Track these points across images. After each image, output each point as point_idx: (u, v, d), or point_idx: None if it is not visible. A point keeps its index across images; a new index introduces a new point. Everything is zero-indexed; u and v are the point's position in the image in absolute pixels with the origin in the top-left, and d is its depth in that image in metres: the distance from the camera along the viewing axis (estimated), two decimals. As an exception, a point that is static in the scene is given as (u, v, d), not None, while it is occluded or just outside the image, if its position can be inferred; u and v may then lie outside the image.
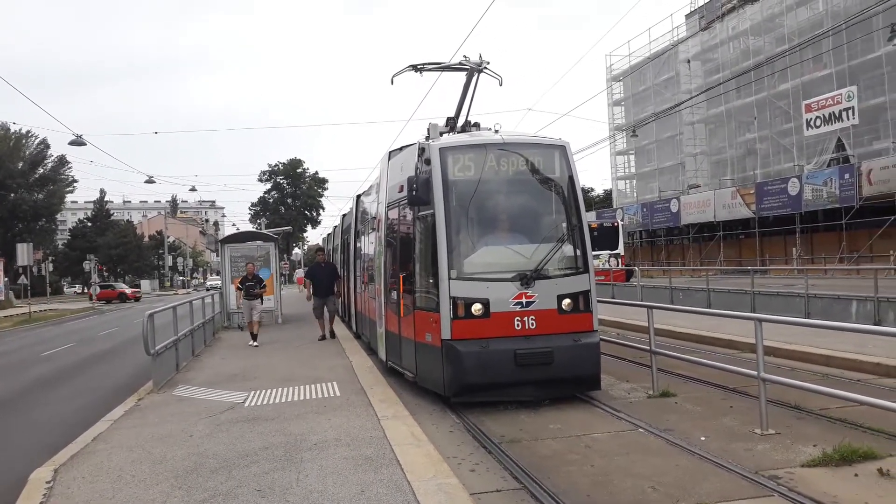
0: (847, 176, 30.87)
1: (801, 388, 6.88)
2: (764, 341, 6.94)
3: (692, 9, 47.78)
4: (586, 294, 8.65)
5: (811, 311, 15.34)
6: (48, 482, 6.14)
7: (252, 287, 15.84)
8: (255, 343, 15.19)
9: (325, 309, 15.95)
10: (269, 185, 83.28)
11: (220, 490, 5.63)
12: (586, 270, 8.76)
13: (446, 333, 8.33)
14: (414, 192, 8.73)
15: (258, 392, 9.76)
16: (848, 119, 32.42)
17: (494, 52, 10.48)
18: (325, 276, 15.88)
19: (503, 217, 9.00)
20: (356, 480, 5.64)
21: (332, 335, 15.87)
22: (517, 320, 8.31)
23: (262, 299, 16.44)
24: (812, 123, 34.45)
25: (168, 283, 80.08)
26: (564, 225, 8.96)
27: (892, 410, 5.54)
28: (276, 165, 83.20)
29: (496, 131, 9.46)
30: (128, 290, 57.46)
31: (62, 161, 70.10)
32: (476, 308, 8.29)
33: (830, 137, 34.57)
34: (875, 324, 13.21)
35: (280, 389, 9.85)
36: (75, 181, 73.55)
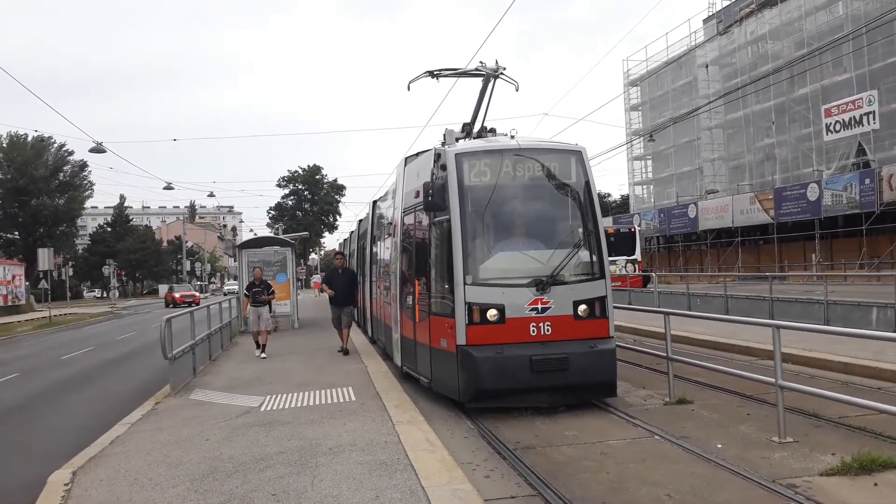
0: (867, 181, 30.53)
1: (820, 395, 6.80)
2: (782, 348, 6.87)
3: (710, 13, 47.57)
4: (602, 300, 8.60)
5: (830, 318, 15.15)
6: (66, 484, 6.21)
7: (259, 293, 14.77)
8: (263, 354, 14.20)
9: (342, 318, 14.36)
10: (286, 191, 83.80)
11: (236, 493, 5.66)
12: (602, 276, 8.71)
13: (461, 339, 8.32)
14: (430, 198, 8.74)
15: (274, 396, 9.80)
16: (868, 123, 32.09)
17: (511, 58, 10.58)
18: (342, 284, 14.37)
19: (519, 222, 8.98)
20: (371, 485, 5.65)
21: (346, 352, 14.11)
22: (533, 326, 8.29)
23: (270, 306, 15.22)
24: (832, 128, 34.13)
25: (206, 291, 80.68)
26: (580, 231, 8.92)
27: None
28: (295, 172, 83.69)
29: (512, 137, 9.44)
30: (197, 295, 52.46)
31: (81, 166, 70.97)
32: (491, 314, 8.28)
33: (850, 142, 34.22)
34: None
35: (296, 394, 9.89)
36: (93, 184, 74.46)
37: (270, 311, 15.23)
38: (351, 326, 14.59)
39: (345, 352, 14.06)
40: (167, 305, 46.46)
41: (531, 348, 8.18)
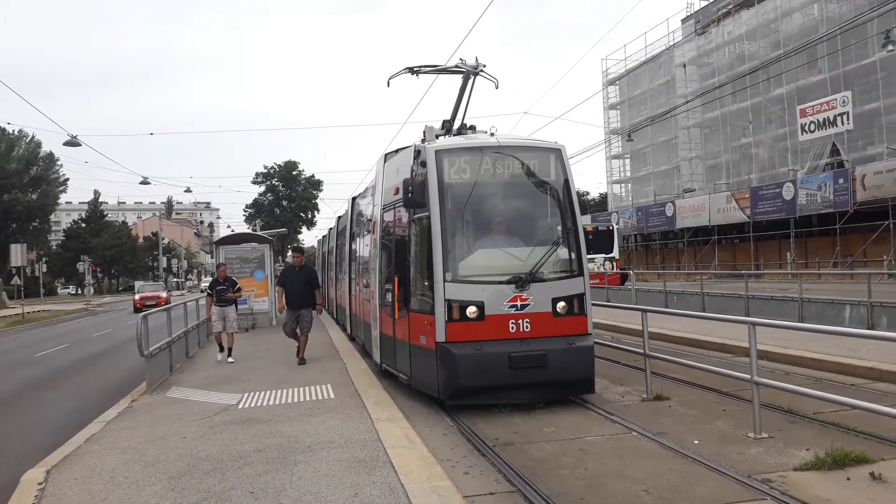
0: (841, 181, 31.00)
1: (794, 392, 6.88)
2: (757, 345, 6.96)
3: (688, 13, 47.98)
4: (581, 297, 8.65)
5: (805, 316, 15.37)
6: (40, 483, 6.12)
7: (224, 291, 13.49)
8: (231, 359, 13.09)
9: (299, 323, 12.41)
10: (263, 188, 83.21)
11: (214, 492, 5.62)
12: (581, 273, 8.76)
13: (441, 336, 8.32)
14: (409, 195, 8.73)
15: (252, 394, 9.73)
16: (842, 124, 32.58)
17: (491, 56, 10.57)
18: (299, 283, 12.45)
19: (498, 220, 9.00)
20: (349, 483, 5.64)
21: (303, 362, 12.28)
22: (512, 323, 8.31)
23: (236, 305, 14.01)
24: (807, 128, 34.61)
25: (183, 289, 79.84)
26: (559, 228, 8.97)
27: (884, 415, 5.55)
28: (271, 167, 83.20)
29: (492, 134, 9.46)
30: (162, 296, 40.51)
31: (51, 159, 69.88)
32: (471, 311, 8.29)
33: (825, 142, 34.73)
34: (868, 328, 13.26)
35: (274, 391, 9.83)
36: (67, 179, 73.38)
37: (237, 311, 14.08)
38: (309, 334, 12.57)
39: (301, 361, 12.29)
40: (136, 311, 32.90)
41: (510, 345, 8.21)
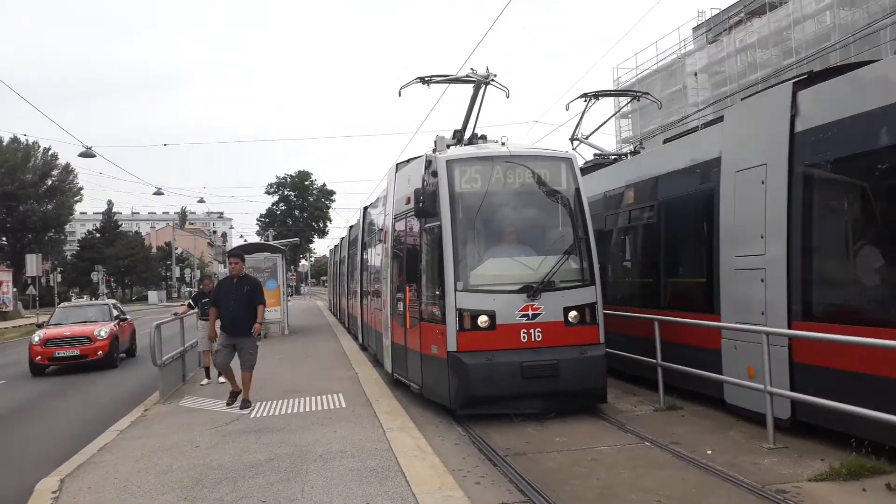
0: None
1: (808, 402, 6.82)
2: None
3: (699, 22, 47.92)
4: (592, 306, 8.63)
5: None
6: (54, 492, 6.16)
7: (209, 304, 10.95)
8: (222, 379, 10.72)
9: (241, 356, 9.46)
10: (276, 198, 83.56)
11: (226, 501, 5.64)
12: (593, 282, 8.74)
13: (452, 345, 8.32)
14: (421, 204, 8.77)
15: (264, 403, 9.76)
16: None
17: (502, 65, 10.55)
18: (237, 301, 9.41)
19: (510, 229, 9.01)
20: (361, 492, 5.64)
21: (246, 405, 9.40)
22: (523, 332, 8.29)
23: None
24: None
25: (176, 294, 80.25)
26: (571, 237, 8.96)
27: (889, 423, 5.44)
28: (283, 178, 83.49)
29: (503, 143, 9.49)
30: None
31: (67, 170, 70.54)
32: (482, 320, 8.28)
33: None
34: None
35: (286, 401, 9.86)
36: (81, 188, 73.98)
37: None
38: (254, 368, 9.63)
39: (244, 403, 9.43)
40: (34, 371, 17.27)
41: (522, 354, 8.19)
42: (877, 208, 6.43)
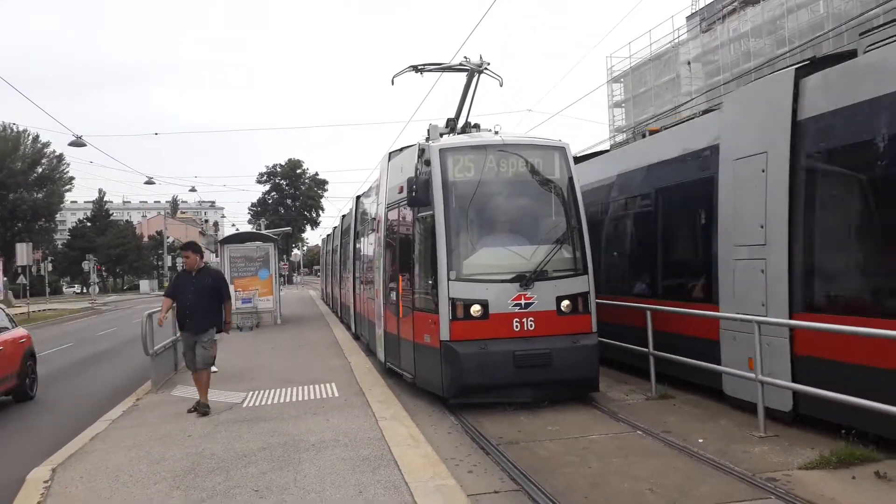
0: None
1: (798, 390, 6.85)
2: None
3: (693, 10, 47.83)
4: (585, 295, 8.65)
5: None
6: (46, 482, 6.14)
7: None
8: (214, 368, 10.12)
9: (195, 353, 8.64)
10: (268, 187, 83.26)
11: (218, 490, 5.63)
12: (585, 272, 8.75)
13: (445, 335, 8.33)
14: (414, 193, 8.75)
15: (257, 392, 9.76)
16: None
17: (495, 53, 10.50)
18: (196, 295, 8.69)
19: (503, 218, 9.01)
20: (354, 481, 5.64)
21: (204, 410, 8.44)
22: (516, 322, 8.30)
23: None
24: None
25: (167, 283, 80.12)
26: (564, 226, 8.97)
27: (891, 414, 5.50)
28: (274, 166, 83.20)
29: (496, 132, 9.49)
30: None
31: (59, 159, 70.09)
32: (475, 309, 8.29)
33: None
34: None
35: (278, 390, 9.86)
36: (72, 178, 73.55)
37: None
38: (211, 366, 9.08)
39: (202, 411, 8.47)
40: None
41: (514, 343, 8.21)
42: (881, 199, 6.30)
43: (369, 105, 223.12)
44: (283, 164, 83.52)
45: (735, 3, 41.50)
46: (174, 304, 9.05)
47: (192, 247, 9.20)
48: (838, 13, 33.55)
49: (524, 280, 8.38)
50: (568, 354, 8.26)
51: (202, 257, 9.21)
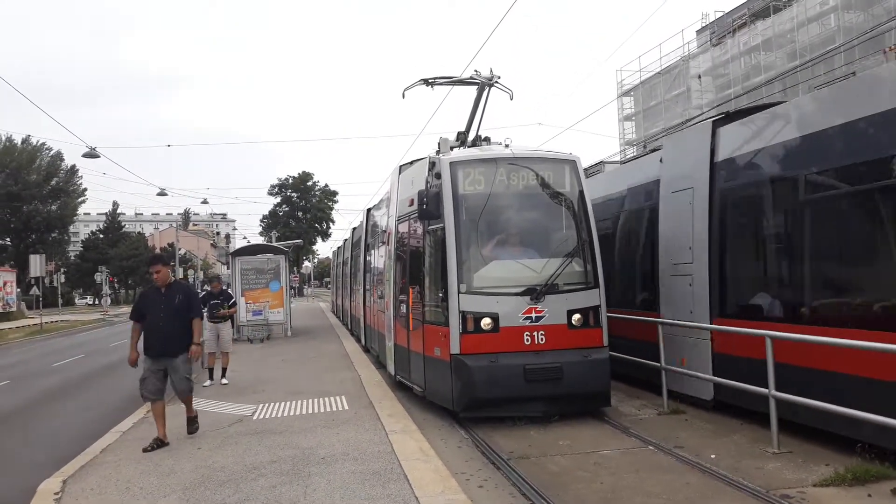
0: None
1: (813, 407, 6.77)
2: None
3: (703, 24, 47.88)
4: (596, 309, 8.60)
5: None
6: (56, 493, 6.15)
7: (218, 306, 12.06)
8: (224, 380, 11.79)
9: (175, 384, 7.84)
10: (279, 199, 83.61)
11: (228, 503, 5.62)
12: (597, 285, 8.71)
13: (455, 348, 8.29)
14: (424, 206, 8.75)
15: (266, 405, 9.76)
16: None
17: (505, 67, 10.54)
18: (165, 313, 7.75)
19: (513, 231, 9.00)
20: (364, 495, 5.62)
21: (159, 444, 7.54)
22: (527, 335, 8.26)
23: (232, 322, 12.86)
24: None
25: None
26: (575, 239, 8.95)
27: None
28: (285, 179, 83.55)
29: (506, 146, 9.49)
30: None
31: (72, 171, 70.72)
32: (485, 322, 8.26)
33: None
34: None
35: (288, 403, 9.85)
36: (85, 190, 74.18)
37: (233, 328, 12.99)
38: (192, 396, 8.14)
39: (156, 443, 7.55)
40: None
41: (525, 357, 8.16)
42: (775, 225, 7.76)
43: (380, 118, 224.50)
44: (294, 176, 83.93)
45: (745, 17, 41.51)
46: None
47: (161, 259, 8.44)
48: (849, 27, 33.48)
49: (535, 293, 8.34)
50: (579, 368, 8.20)
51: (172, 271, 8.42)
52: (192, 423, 8.15)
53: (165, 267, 8.13)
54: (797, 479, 5.92)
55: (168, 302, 7.80)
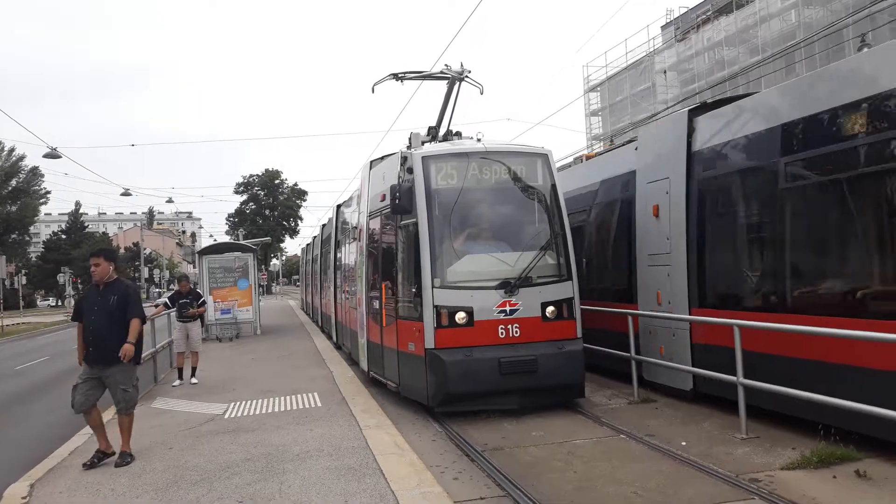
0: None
1: (781, 393, 6.92)
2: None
3: (668, 20, 48.45)
4: (570, 301, 8.66)
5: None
6: (24, 497, 6.04)
7: (187, 305, 11.95)
8: (194, 380, 11.67)
9: (115, 395, 7.09)
10: (245, 197, 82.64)
11: (202, 502, 5.58)
12: (570, 278, 8.77)
13: (430, 342, 8.28)
14: (397, 201, 8.69)
15: (238, 403, 9.67)
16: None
17: (474, 63, 10.48)
18: (102, 315, 6.99)
19: (486, 225, 9.03)
20: (339, 490, 5.62)
21: (125, 460, 6.91)
22: (501, 328, 8.29)
23: (202, 321, 12.96)
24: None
25: (145, 295, 79.11)
26: (547, 232, 8.97)
27: (870, 414, 5.62)
28: (251, 177, 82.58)
29: (479, 140, 9.47)
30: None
31: (35, 173, 69.10)
32: (460, 317, 8.26)
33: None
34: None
35: (260, 401, 9.78)
36: (48, 192, 72.54)
37: (203, 327, 13.07)
38: (131, 416, 7.20)
39: (121, 458, 6.95)
40: None
41: (500, 350, 8.18)
42: (750, 214, 7.80)
43: (348, 114, 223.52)
44: (259, 174, 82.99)
45: (709, 13, 42.11)
46: None
47: (103, 252, 7.40)
48: (809, 22, 34.18)
49: (509, 286, 8.37)
50: (554, 360, 8.25)
51: (116, 267, 7.40)
52: (124, 458, 6.90)
53: (107, 262, 7.21)
54: (765, 463, 6.06)
55: (102, 303, 7.01)
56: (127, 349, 6.79)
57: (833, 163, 6.52)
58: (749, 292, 7.73)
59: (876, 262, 6.27)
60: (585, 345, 8.79)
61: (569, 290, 8.69)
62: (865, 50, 9.80)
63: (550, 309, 8.48)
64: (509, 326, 8.30)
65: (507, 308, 8.33)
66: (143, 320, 7.19)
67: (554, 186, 9.08)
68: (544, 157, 9.22)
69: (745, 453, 6.37)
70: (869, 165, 6.15)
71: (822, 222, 6.82)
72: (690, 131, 8.51)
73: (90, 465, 6.86)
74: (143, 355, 11.27)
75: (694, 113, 8.64)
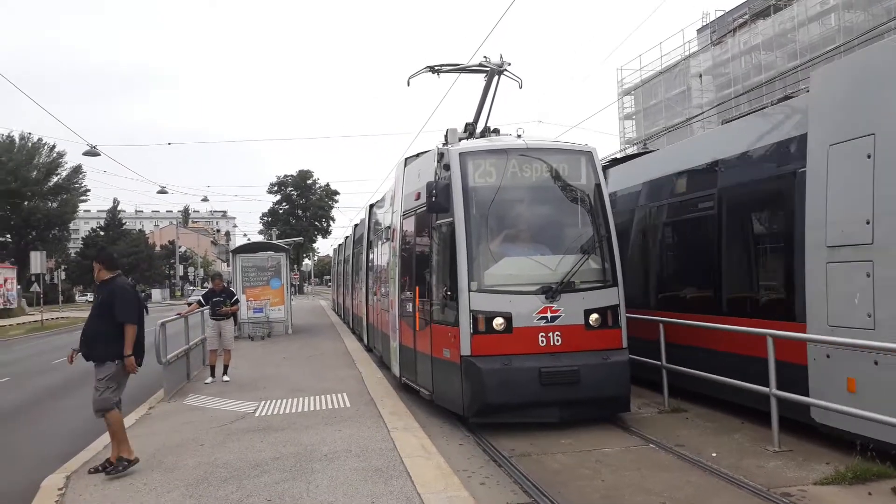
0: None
1: (813, 405, 6.80)
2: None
3: (703, 23, 47.87)
4: (615, 309, 8.18)
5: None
6: (60, 489, 6.19)
7: (220, 303, 12.17)
8: (226, 377, 11.88)
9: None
10: (278, 197, 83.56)
11: (231, 499, 5.65)
12: (615, 284, 8.27)
13: (466, 349, 7.89)
14: (433, 199, 8.29)
15: (268, 402, 9.78)
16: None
17: (510, 56, 10.15)
18: (91, 314, 7.14)
19: (526, 226, 8.66)
20: (366, 492, 5.65)
21: (123, 465, 6.60)
22: (542, 336, 7.87)
23: (235, 319, 13.01)
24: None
25: (179, 293, 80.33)
26: (592, 235, 8.46)
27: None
28: (285, 177, 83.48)
29: (518, 136, 9.03)
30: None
31: (76, 170, 70.69)
32: (498, 322, 7.86)
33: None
34: None
35: (290, 400, 9.87)
36: (88, 190, 74.16)
37: (235, 325, 13.12)
38: (106, 419, 6.82)
39: (114, 469, 6.60)
40: None
41: (540, 360, 7.75)
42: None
43: (381, 114, 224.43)
44: (293, 174, 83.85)
45: (746, 16, 41.51)
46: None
47: (99, 255, 7.31)
48: (850, 26, 33.48)
49: (550, 292, 7.91)
50: (597, 372, 7.78)
51: (110, 268, 7.06)
52: (113, 465, 6.62)
53: (97, 263, 7.12)
54: (798, 477, 5.95)
55: (94, 303, 7.13)
56: (128, 363, 6.76)
57: None
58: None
59: None
60: (680, 367, 8.41)
61: (614, 296, 8.21)
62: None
63: (594, 316, 8.00)
64: (550, 334, 7.87)
65: (549, 314, 7.91)
66: (135, 324, 6.79)
67: (598, 186, 8.58)
68: (588, 155, 8.75)
69: (776, 466, 6.27)
70: None
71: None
72: None
73: (96, 471, 6.66)
74: (177, 352, 11.57)
75: None
